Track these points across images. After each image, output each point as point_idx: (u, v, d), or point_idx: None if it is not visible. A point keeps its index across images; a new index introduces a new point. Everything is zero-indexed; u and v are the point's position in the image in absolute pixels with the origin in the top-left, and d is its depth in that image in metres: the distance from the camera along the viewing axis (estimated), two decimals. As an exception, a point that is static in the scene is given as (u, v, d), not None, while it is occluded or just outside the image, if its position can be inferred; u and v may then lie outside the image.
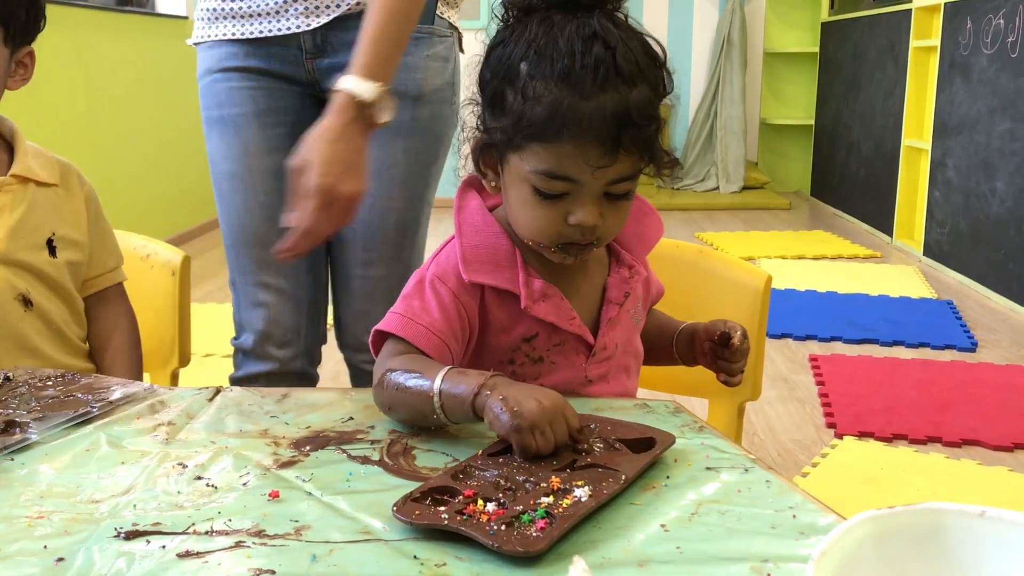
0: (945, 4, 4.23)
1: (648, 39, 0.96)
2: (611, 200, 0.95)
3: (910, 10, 4.63)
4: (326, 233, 1.13)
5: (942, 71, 4.28)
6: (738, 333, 1.06)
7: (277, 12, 1.30)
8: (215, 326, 3.34)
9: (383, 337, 0.98)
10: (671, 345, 1.15)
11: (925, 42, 4.50)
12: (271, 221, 1.36)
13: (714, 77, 6.46)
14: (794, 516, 0.74)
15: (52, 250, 1.23)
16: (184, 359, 1.38)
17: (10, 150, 1.25)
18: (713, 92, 6.47)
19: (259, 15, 1.31)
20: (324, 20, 1.29)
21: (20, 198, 1.21)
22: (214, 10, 1.35)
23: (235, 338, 1.46)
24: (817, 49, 6.26)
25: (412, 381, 0.90)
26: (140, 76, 4.41)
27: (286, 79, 1.36)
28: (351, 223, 1.16)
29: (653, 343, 1.16)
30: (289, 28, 1.30)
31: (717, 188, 6.35)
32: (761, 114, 6.64)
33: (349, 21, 1.27)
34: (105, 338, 1.31)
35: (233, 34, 1.34)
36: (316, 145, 1.10)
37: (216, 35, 1.36)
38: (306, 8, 1.29)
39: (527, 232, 0.97)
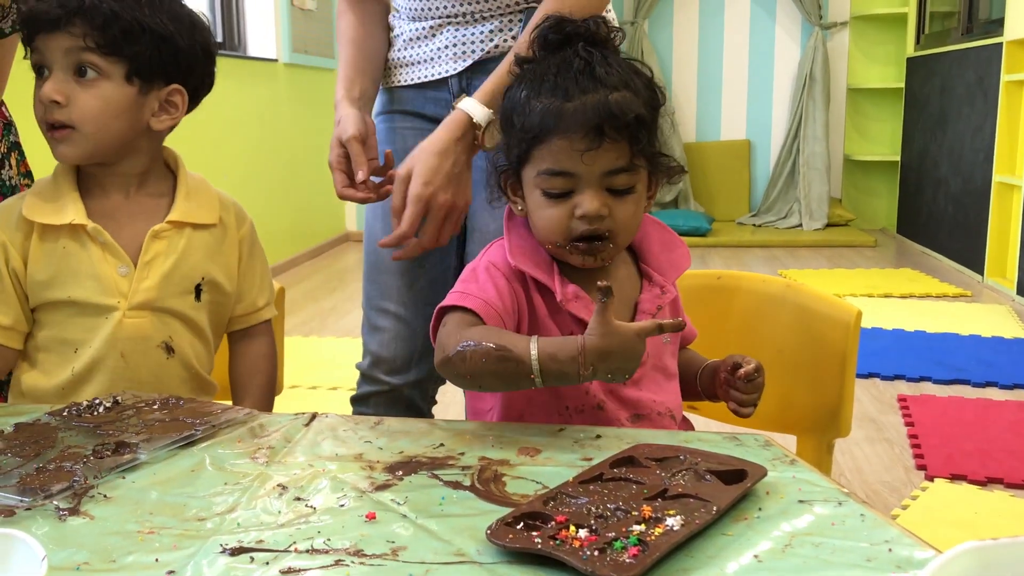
0: (1038, 37, 4.13)
1: (636, 63, 1.10)
2: (615, 196, 1.05)
3: (1001, 44, 4.53)
4: (431, 243, 1.27)
5: (1035, 106, 4.17)
6: (751, 365, 1.11)
7: (432, 59, 1.45)
8: (300, 359, 3.41)
9: (443, 317, 1.05)
10: (695, 380, 1.20)
11: (1018, 76, 4.39)
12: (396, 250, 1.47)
13: (796, 113, 6.40)
14: (890, 550, 0.73)
15: (198, 294, 1.22)
16: (279, 387, 1.42)
17: (174, 185, 1.24)
18: (795, 128, 6.41)
19: (419, 63, 1.47)
20: (469, 62, 1.42)
21: (175, 244, 1.20)
22: (390, 59, 1.52)
23: (360, 361, 1.53)
24: (902, 85, 6.15)
25: (501, 347, 0.96)
26: (232, 117, 4.57)
27: (435, 121, 1.47)
28: (456, 233, 1.30)
29: (682, 379, 1.20)
30: (441, 73, 1.45)
31: (800, 225, 6.26)
32: (845, 150, 6.54)
33: (490, 64, 1.37)
34: (247, 376, 1.30)
35: (400, 81, 1.50)
36: (421, 156, 1.25)
37: (391, 83, 1.52)
38: (454, 53, 1.43)
39: (544, 234, 1.07)
